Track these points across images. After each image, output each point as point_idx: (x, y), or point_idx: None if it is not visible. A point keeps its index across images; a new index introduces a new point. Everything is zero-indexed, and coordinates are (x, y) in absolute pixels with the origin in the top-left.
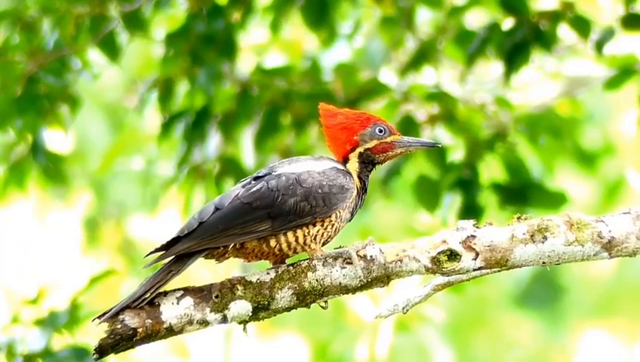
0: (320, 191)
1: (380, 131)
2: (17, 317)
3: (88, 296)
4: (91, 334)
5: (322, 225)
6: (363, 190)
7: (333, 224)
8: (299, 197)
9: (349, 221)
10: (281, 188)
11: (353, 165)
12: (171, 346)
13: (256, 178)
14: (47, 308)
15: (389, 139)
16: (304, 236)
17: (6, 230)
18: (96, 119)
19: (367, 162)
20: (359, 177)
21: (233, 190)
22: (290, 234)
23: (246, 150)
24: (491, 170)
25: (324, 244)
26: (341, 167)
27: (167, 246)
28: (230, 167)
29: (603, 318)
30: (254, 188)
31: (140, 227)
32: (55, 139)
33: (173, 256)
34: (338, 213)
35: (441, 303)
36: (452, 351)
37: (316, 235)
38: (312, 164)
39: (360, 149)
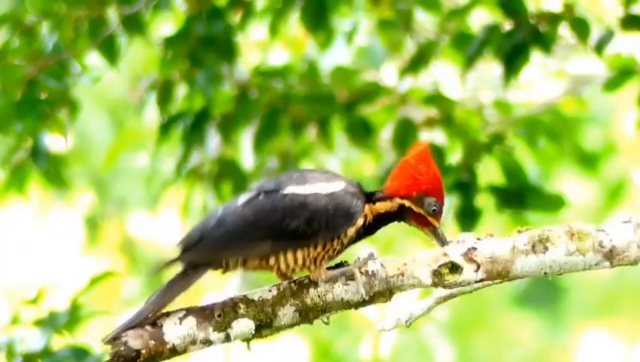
0: (324, 215)
1: (434, 210)
2: (17, 317)
3: (88, 296)
4: (91, 334)
5: (323, 248)
6: (371, 226)
7: (335, 247)
8: (301, 221)
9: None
10: (285, 209)
11: (387, 206)
12: None
13: (263, 192)
14: (47, 308)
15: (430, 219)
16: (303, 258)
17: (6, 230)
18: (98, 117)
19: (398, 215)
20: (378, 216)
21: (237, 202)
22: (289, 255)
23: (245, 152)
24: (489, 172)
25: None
26: (352, 189)
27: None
28: (229, 169)
29: (603, 318)
30: (257, 207)
31: (141, 226)
32: (55, 141)
33: (177, 273)
34: (340, 237)
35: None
36: (453, 350)
37: (316, 257)
38: (322, 186)
39: (407, 203)
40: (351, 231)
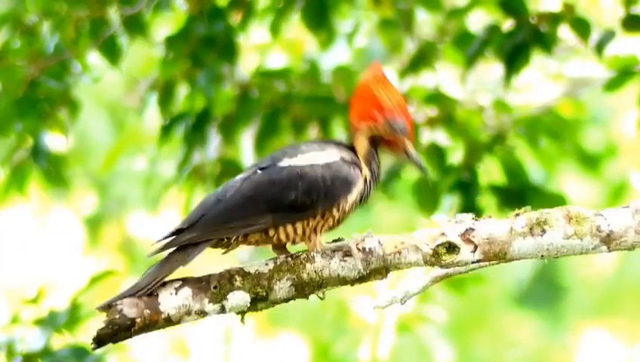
0: (322, 185)
1: (403, 130)
2: (17, 316)
3: (88, 295)
4: (91, 333)
5: (322, 217)
6: (373, 176)
7: (335, 216)
8: (300, 192)
9: (359, 206)
10: (283, 182)
11: (362, 144)
12: (172, 345)
13: (260, 169)
14: (47, 308)
15: (402, 140)
16: (303, 228)
17: (6, 230)
18: (97, 117)
19: (374, 146)
20: (367, 159)
21: (235, 181)
22: (289, 227)
23: (246, 152)
24: (490, 172)
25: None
26: (348, 156)
27: (170, 237)
28: (230, 169)
29: (604, 318)
30: (256, 181)
31: (141, 225)
32: (56, 141)
33: (175, 247)
34: (340, 206)
35: (441, 302)
36: (453, 350)
37: (316, 227)
38: (317, 155)
39: (375, 132)
40: (351, 199)
